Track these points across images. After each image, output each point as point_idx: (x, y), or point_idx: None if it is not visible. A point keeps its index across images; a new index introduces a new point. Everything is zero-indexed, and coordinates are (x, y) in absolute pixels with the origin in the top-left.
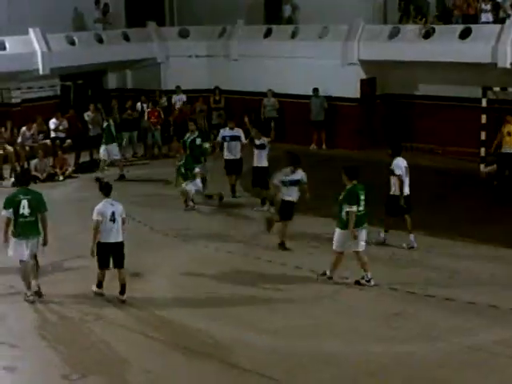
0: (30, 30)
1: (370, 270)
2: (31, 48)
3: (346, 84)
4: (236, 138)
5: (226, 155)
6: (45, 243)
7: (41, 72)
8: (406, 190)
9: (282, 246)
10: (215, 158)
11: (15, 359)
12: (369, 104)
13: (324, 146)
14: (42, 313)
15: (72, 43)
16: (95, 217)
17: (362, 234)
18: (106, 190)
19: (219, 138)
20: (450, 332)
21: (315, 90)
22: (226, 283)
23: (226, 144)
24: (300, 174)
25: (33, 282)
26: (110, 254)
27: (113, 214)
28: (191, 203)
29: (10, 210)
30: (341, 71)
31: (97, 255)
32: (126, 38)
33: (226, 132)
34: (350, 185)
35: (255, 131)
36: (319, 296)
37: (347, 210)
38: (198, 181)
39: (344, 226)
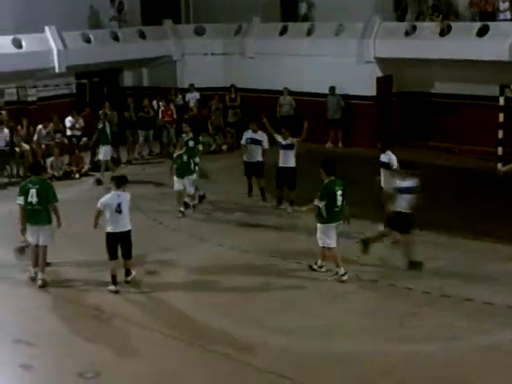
0: (46, 28)
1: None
2: (47, 46)
3: (362, 82)
4: (257, 142)
5: (245, 158)
6: (58, 226)
7: (57, 70)
8: None
9: (413, 265)
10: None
11: (31, 357)
12: (385, 102)
13: (340, 145)
14: (58, 311)
15: (88, 41)
16: (97, 205)
17: (333, 231)
18: (117, 181)
19: (243, 141)
20: (465, 332)
21: (332, 89)
22: (240, 282)
23: (247, 146)
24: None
25: (34, 269)
26: (117, 244)
27: (119, 205)
28: (191, 203)
29: (22, 198)
30: (357, 69)
31: (106, 246)
32: (142, 35)
33: (248, 134)
34: (326, 180)
35: (283, 131)
36: (332, 295)
37: (315, 203)
38: (190, 182)
39: (323, 220)
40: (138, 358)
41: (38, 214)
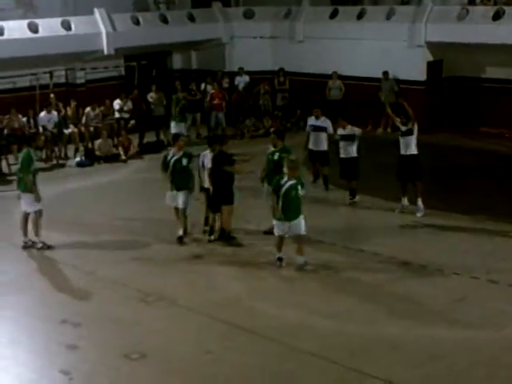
0: (95, 10)
1: None
2: (96, 28)
3: (413, 66)
4: (320, 129)
5: (310, 145)
6: (37, 200)
7: (105, 52)
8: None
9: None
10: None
11: (77, 338)
12: (435, 87)
13: (389, 130)
14: (104, 292)
15: (137, 23)
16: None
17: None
18: (208, 140)
19: (307, 128)
20: None
21: (385, 73)
22: (288, 267)
23: (311, 134)
24: None
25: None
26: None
27: (202, 163)
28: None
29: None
30: (407, 53)
31: None
32: (191, 18)
33: (311, 121)
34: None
35: (339, 120)
36: (381, 281)
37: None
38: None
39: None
40: (184, 341)
41: (19, 182)
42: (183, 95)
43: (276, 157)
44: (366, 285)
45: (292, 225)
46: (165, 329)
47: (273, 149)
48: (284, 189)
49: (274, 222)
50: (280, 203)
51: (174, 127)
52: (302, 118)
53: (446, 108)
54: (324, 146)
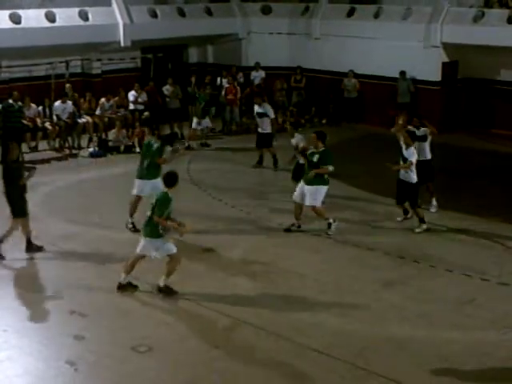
0: (113, 2)
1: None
2: (113, 19)
3: (428, 67)
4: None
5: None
6: None
7: (122, 44)
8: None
9: None
10: None
11: (84, 329)
12: (450, 88)
13: None
14: (114, 284)
15: (154, 16)
16: None
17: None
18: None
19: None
20: None
21: (402, 73)
22: (298, 264)
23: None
24: None
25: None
26: None
27: None
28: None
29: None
30: (423, 54)
31: None
32: (209, 12)
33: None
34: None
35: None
36: (391, 280)
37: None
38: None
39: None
40: (192, 335)
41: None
42: (209, 92)
43: (315, 159)
44: (374, 284)
45: None
46: (173, 322)
47: (314, 150)
48: None
49: None
50: None
51: (196, 123)
52: (316, 115)
53: (461, 109)
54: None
